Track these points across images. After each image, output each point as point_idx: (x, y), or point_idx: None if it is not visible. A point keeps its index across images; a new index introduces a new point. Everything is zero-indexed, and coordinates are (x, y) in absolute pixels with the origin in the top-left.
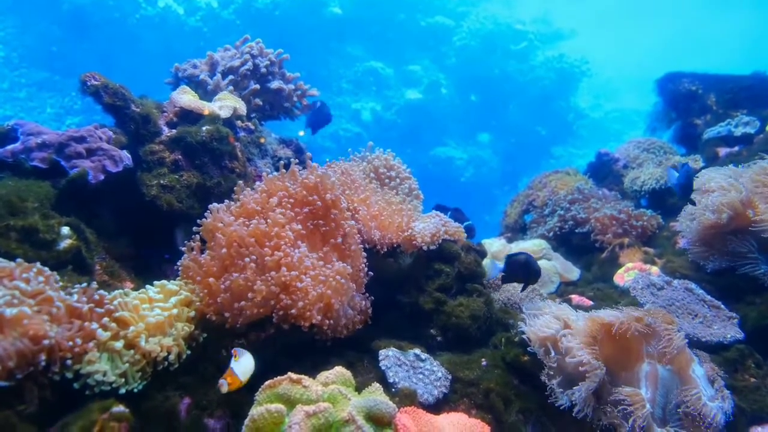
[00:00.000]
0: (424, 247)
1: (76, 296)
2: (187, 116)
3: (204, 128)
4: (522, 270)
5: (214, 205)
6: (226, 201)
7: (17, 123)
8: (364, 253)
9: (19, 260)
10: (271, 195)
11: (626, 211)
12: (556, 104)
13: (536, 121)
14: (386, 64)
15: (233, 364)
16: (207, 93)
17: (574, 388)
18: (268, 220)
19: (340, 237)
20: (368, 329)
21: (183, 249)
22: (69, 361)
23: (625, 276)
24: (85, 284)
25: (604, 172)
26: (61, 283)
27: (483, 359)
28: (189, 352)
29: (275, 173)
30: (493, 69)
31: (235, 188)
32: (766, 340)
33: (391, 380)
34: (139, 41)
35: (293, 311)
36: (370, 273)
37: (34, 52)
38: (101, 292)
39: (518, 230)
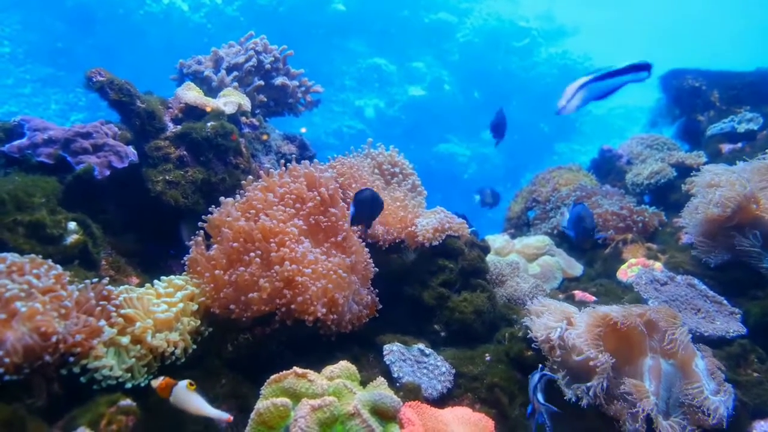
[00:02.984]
0: (426, 243)
1: (85, 292)
2: (192, 112)
3: (209, 124)
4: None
5: (226, 199)
6: (237, 196)
7: (23, 119)
8: (367, 249)
9: (32, 256)
10: (270, 191)
11: (628, 207)
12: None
13: (539, 117)
14: (389, 61)
15: (183, 387)
16: (211, 89)
17: (583, 384)
18: (266, 217)
19: (342, 232)
20: (373, 324)
21: (189, 244)
22: (74, 358)
23: (628, 272)
24: (95, 279)
25: (607, 168)
26: (68, 279)
27: (487, 354)
28: (194, 346)
29: (278, 169)
30: (496, 66)
31: (243, 182)
32: None
33: (395, 375)
34: (143, 37)
35: (293, 306)
36: (375, 268)
37: (39, 48)
38: (110, 287)
39: (522, 226)
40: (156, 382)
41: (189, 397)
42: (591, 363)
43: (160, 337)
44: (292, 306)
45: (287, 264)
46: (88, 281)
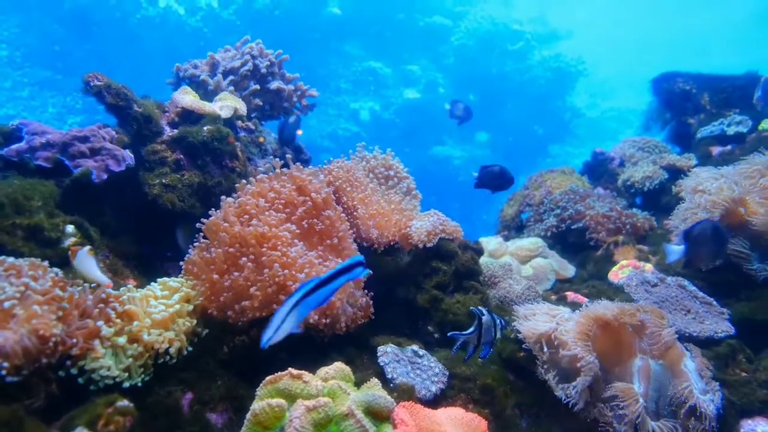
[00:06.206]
0: (420, 245)
1: (83, 295)
2: (189, 116)
3: (205, 128)
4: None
5: (227, 199)
6: (230, 198)
7: (21, 122)
8: (360, 253)
9: (30, 259)
10: (262, 196)
11: (617, 209)
12: (552, 103)
13: (533, 120)
14: (385, 64)
15: (85, 251)
16: (208, 93)
17: (572, 383)
18: (258, 222)
19: (336, 236)
20: (367, 325)
21: (189, 246)
22: (72, 359)
23: (619, 273)
24: (95, 283)
25: (600, 171)
26: (66, 282)
27: None
28: (190, 348)
29: (270, 173)
30: (491, 69)
31: (237, 186)
32: (756, 334)
33: (389, 376)
34: (140, 41)
35: None
36: (370, 271)
37: (37, 52)
38: (109, 290)
39: (515, 228)
40: (70, 246)
41: (86, 261)
42: (578, 364)
43: (155, 333)
44: None
45: (277, 267)
46: (86, 284)
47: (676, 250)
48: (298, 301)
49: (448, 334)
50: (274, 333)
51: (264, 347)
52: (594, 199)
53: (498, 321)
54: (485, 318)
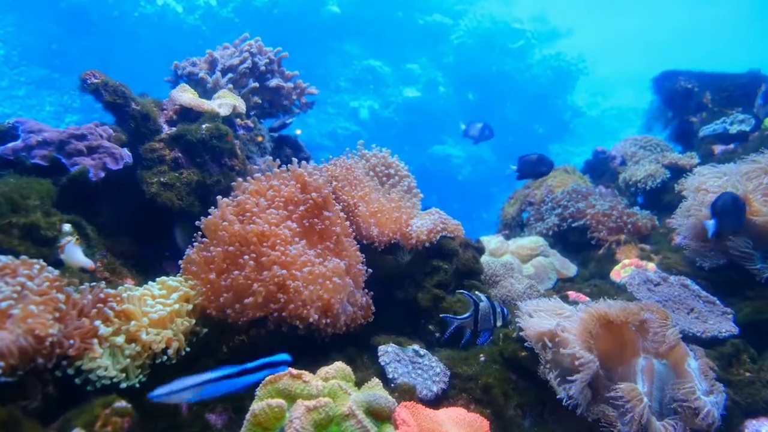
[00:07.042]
0: (420, 245)
1: (81, 294)
2: (187, 114)
3: (204, 126)
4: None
5: (223, 199)
6: (227, 199)
7: (18, 121)
8: (360, 254)
9: (23, 257)
10: (260, 194)
11: (617, 209)
12: (553, 102)
13: (533, 119)
14: (384, 63)
15: (72, 242)
16: (206, 91)
17: (572, 380)
18: (259, 221)
19: (335, 235)
20: (367, 325)
21: (186, 246)
22: (69, 359)
23: (621, 272)
24: (94, 283)
25: (601, 169)
26: (64, 281)
27: (481, 355)
28: (188, 349)
29: (270, 171)
30: (491, 67)
31: (233, 184)
32: (760, 334)
33: (390, 376)
34: (138, 39)
35: (285, 313)
36: (369, 270)
37: (34, 50)
38: (108, 290)
39: (516, 227)
40: (60, 243)
41: (72, 250)
42: (576, 362)
43: (153, 333)
44: (284, 313)
45: (276, 268)
46: (85, 284)
47: (710, 224)
48: (211, 380)
49: (441, 315)
50: (167, 395)
51: (150, 398)
52: (596, 198)
53: (499, 309)
54: (482, 304)
